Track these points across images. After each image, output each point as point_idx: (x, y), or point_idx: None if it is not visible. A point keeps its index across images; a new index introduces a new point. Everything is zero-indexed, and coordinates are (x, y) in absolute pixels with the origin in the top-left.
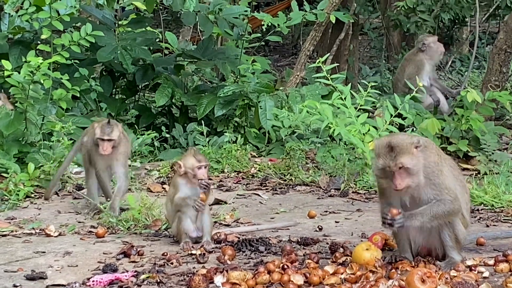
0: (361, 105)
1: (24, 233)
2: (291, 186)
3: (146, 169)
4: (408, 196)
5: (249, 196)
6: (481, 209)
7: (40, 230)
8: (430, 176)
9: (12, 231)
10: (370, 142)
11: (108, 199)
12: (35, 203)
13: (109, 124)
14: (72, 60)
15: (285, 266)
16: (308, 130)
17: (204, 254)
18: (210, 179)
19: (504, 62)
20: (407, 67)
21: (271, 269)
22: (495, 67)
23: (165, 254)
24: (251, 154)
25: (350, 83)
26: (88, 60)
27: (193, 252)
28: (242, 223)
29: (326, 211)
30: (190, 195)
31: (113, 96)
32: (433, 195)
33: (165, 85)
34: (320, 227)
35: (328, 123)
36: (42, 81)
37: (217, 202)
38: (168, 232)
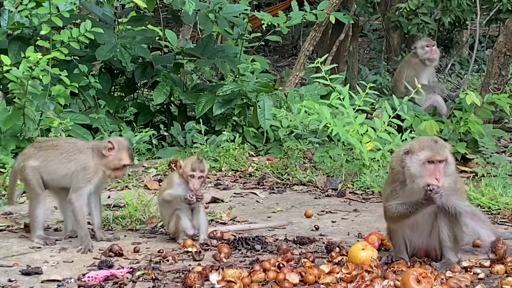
0: (359, 106)
1: (20, 228)
2: (288, 186)
3: (143, 166)
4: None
5: (246, 195)
6: None
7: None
8: (453, 182)
9: (8, 226)
10: (368, 142)
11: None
12: None
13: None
14: (72, 57)
15: (281, 265)
16: (306, 130)
17: (200, 251)
18: (208, 178)
19: (504, 65)
20: (405, 69)
21: (267, 267)
22: (494, 70)
23: (161, 251)
24: (249, 153)
25: (349, 84)
26: (87, 57)
27: (189, 249)
28: (238, 221)
29: (323, 211)
30: (181, 195)
31: (112, 93)
32: (456, 198)
33: (164, 83)
34: (316, 226)
35: (326, 123)
36: (40, 77)
37: (214, 200)
38: (163, 229)
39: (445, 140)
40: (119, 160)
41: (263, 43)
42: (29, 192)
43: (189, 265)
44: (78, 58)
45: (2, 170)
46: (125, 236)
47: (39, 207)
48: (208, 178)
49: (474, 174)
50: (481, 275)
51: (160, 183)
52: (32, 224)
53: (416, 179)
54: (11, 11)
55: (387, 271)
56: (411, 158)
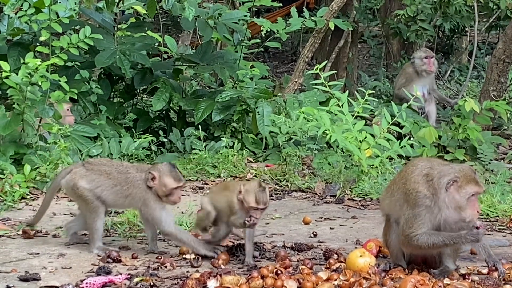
0: (358, 112)
1: (18, 235)
2: (287, 192)
3: None
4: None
5: None
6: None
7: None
8: None
9: (6, 232)
10: (366, 149)
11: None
12: (30, 205)
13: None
14: (74, 62)
15: (279, 272)
16: (305, 136)
17: (198, 258)
18: (207, 183)
19: (503, 72)
20: (399, 77)
21: (265, 274)
22: (493, 77)
23: (159, 257)
24: (247, 159)
25: (348, 90)
26: (87, 63)
27: (186, 256)
28: None
29: (321, 218)
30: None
31: (111, 99)
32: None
33: (163, 89)
34: (314, 233)
35: (325, 130)
36: (40, 83)
37: None
38: (161, 235)
39: (444, 147)
40: (165, 186)
41: (262, 49)
42: (87, 206)
43: (187, 271)
44: (79, 64)
45: (1, 176)
46: (123, 242)
47: (98, 220)
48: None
49: None
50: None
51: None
52: (92, 236)
53: (462, 211)
54: (11, 17)
55: (385, 278)
56: (458, 190)
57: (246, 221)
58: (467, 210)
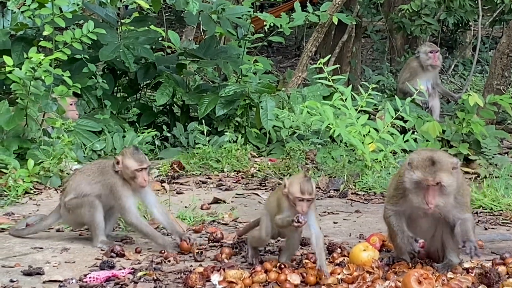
0: (362, 107)
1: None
2: None
3: None
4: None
5: (248, 195)
6: (480, 212)
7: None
8: (457, 195)
9: (10, 227)
10: (370, 143)
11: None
12: (34, 199)
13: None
14: (77, 56)
15: (282, 266)
16: (309, 131)
17: (201, 252)
18: (210, 178)
19: (507, 66)
20: (403, 71)
21: (268, 268)
22: (497, 71)
23: (163, 252)
24: (251, 154)
25: (351, 85)
26: (90, 58)
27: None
28: (240, 222)
29: (325, 212)
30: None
31: (115, 94)
32: (457, 212)
33: (167, 84)
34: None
35: (329, 124)
36: (43, 78)
37: (216, 201)
38: (165, 230)
39: (448, 142)
40: (128, 168)
41: (266, 44)
42: (82, 203)
43: (191, 265)
44: (88, 57)
45: (5, 170)
46: (126, 236)
47: (96, 213)
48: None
49: (476, 175)
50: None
51: (163, 184)
52: (94, 232)
53: (410, 194)
54: (14, 12)
55: (389, 272)
56: (409, 173)
57: (293, 220)
58: (417, 196)
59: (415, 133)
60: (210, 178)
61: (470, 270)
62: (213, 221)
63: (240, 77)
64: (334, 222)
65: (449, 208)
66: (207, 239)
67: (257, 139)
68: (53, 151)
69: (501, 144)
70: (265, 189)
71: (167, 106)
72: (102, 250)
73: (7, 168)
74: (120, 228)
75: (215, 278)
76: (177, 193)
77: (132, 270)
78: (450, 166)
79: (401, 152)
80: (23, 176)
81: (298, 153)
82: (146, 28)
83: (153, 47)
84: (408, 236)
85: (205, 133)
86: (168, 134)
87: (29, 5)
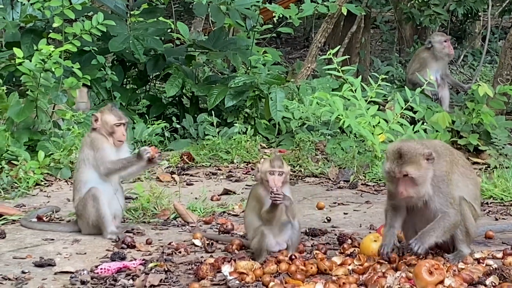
0: (371, 98)
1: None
2: (300, 178)
3: None
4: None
5: None
6: (490, 203)
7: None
8: (440, 185)
9: (20, 218)
10: (380, 134)
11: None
12: (44, 191)
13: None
14: (86, 48)
15: (293, 257)
16: (318, 122)
17: (212, 243)
18: (220, 169)
19: None
20: (412, 62)
21: (279, 259)
22: (507, 61)
23: (173, 243)
24: (260, 145)
25: (361, 76)
26: (100, 49)
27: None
28: None
29: (335, 203)
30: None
31: (124, 86)
32: (439, 203)
33: (176, 75)
34: (328, 218)
35: (338, 115)
36: (53, 70)
37: (226, 192)
38: (176, 221)
39: (458, 132)
40: (106, 124)
41: (275, 35)
42: (85, 201)
43: (201, 256)
44: (96, 49)
45: (15, 162)
46: (137, 228)
47: (101, 206)
48: (289, 178)
49: (486, 165)
50: (494, 267)
51: (172, 175)
52: (102, 224)
53: (388, 185)
54: (24, 4)
55: (399, 262)
56: (384, 164)
57: (270, 196)
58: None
59: (425, 123)
60: (220, 170)
61: (481, 261)
62: (223, 212)
63: (249, 68)
64: (345, 213)
65: (429, 197)
66: (217, 230)
67: (267, 130)
68: (63, 142)
69: (511, 135)
70: None
71: (177, 98)
72: (112, 241)
73: (18, 160)
74: (130, 219)
75: (226, 269)
76: (187, 184)
77: (143, 261)
78: (419, 158)
79: None
80: (34, 168)
81: (307, 144)
82: (155, 19)
83: (162, 38)
84: (391, 235)
85: (214, 125)
86: (178, 126)
87: None
